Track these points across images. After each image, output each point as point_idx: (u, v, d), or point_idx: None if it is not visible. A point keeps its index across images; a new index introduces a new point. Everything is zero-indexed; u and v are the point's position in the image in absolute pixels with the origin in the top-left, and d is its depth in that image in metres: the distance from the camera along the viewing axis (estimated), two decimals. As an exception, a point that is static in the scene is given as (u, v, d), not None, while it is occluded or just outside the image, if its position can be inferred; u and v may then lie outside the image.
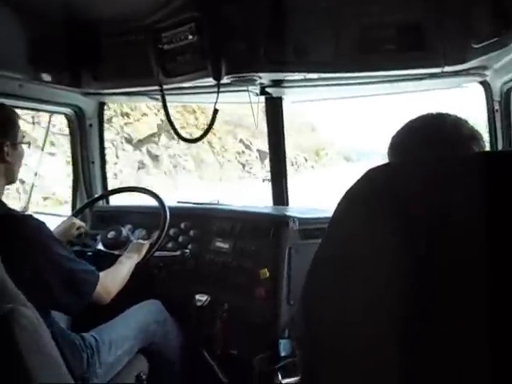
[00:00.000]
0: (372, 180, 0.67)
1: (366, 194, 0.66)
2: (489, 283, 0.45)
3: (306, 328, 0.75)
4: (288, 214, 2.01)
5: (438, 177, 0.54)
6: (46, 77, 1.85)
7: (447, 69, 1.54)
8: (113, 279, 1.63)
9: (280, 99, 2.13)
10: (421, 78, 1.66)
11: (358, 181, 0.68)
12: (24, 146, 1.50)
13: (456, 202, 0.51)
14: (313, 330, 0.73)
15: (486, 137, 1.80)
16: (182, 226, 2.24)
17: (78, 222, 2.05)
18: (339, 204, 0.71)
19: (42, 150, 2.31)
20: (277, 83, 1.88)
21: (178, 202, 2.48)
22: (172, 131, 1.70)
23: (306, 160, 19.42)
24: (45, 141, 2.31)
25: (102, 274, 1.56)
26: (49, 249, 1.37)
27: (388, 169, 0.69)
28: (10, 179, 1.46)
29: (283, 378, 1.74)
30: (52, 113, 2.22)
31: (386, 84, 1.74)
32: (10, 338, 1.06)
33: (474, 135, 0.92)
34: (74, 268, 1.45)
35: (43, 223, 1.40)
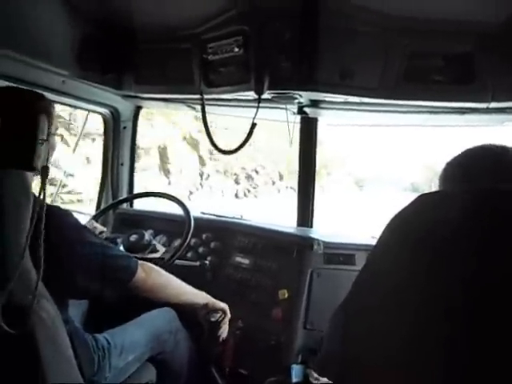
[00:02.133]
0: (423, 206, 0.65)
1: (416, 220, 0.64)
2: None
3: (343, 347, 0.71)
4: (313, 235, 1.98)
5: (489, 209, 0.52)
6: (89, 76, 1.88)
7: (493, 105, 1.51)
8: (158, 273, 1.53)
9: (315, 120, 2.12)
10: (463, 112, 1.63)
11: (409, 206, 0.65)
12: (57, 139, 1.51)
13: (505, 237, 0.48)
14: (350, 349, 0.69)
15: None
16: (204, 237, 2.22)
17: (99, 226, 2.06)
18: (388, 227, 0.68)
19: (75, 148, 2.35)
20: (315, 103, 1.87)
21: (202, 213, 2.47)
22: (209, 141, 1.69)
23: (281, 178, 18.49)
24: (79, 138, 2.34)
25: (144, 263, 1.50)
26: (80, 237, 1.35)
27: (441, 197, 0.67)
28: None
29: (293, 404, 1.68)
30: (89, 111, 2.25)
31: (426, 115, 1.72)
32: (29, 330, 1.05)
33: None
34: (110, 254, 1.41)
35: (71, 214, 1.39)
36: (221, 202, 13.46)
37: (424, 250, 0.58)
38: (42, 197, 1.07)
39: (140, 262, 1.47)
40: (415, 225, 0.63)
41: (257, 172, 18.20)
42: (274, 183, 18.55)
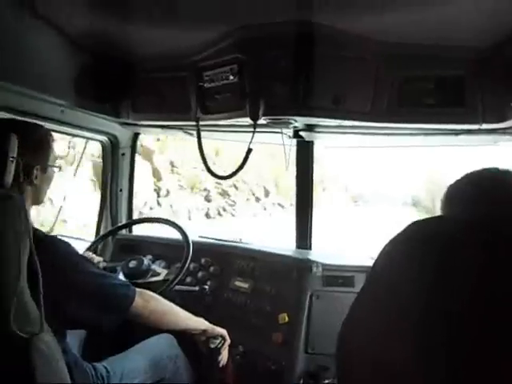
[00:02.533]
0: (420, 231, 0.66)
1: (412, 244, 0.64)
2: None
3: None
4: (311, 258, 1.98)
5: (481, 236, 0.53)
6: (87, 105, 1.91)
7: (485, 126, 1.54)
8: (157, 301, 1.52)
9: (311, 143, 2.16)
10: (457, 133, 1.66)
11: (406, 229, 0.66)
12: (55, 169, 1.52)
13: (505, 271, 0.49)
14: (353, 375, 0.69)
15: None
16: (203, 261, 2.23)
17: (95, 257, 2.07)
18: (383, 251, 0.69)
19: (75, 175, 2.37)
20: (310, 128, 1.90)
21: (200, 237, 2.47)
22: (204, 167, 1.71)
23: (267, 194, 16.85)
24: (78, 166, 2.36)
25: (143, 291, 1.49)
26: (77, 267, 1.35)
27: (439, 222, 0.68)
28: (36, 201, 1.45)
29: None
30: (88, 139, 2.28)
31: (421, 137, 1.74)
32: (28, 363, 1.04)
33: None
34: (108, 283, 1.40)
35: (69, 243, 1.39)
36: (187, 222, 12.13)
37: (415, 281, 0.58)
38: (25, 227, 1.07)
39: (139, 290, 1.47)
40: (406, 252, 0.63)
41: (236, 187, 16.52)
42: (258, 200, 16.93)
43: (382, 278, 0.66)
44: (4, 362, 1.01)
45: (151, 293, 1.54)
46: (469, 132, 1.62)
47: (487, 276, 0.52)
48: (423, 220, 0.67)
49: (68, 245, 1.38)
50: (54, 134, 1.99)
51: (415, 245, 0.64)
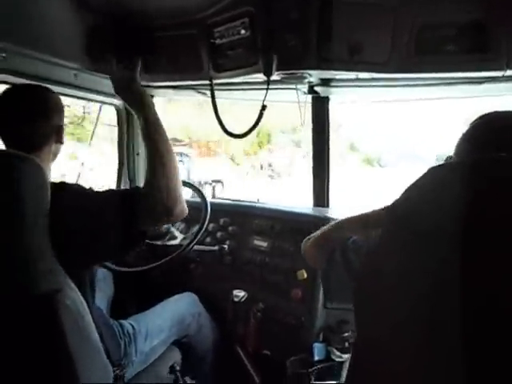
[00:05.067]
0: (435, 178, 0.64)
1: (429, 190, 0.63)
2: None
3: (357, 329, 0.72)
4: (328, 215, 1.98)
5: (500, 176, 0.52)
6: (100, 68, 1.89)
7: (509, 72, 1.46)
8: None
9: (327, 99, 2.10)
10: (480, 82, 1.58)
11: (421, 178, 0.65)
12: None
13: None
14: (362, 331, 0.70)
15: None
16: (222, 222, 2.25)
17: None
18: (398, 201, 0.68)
19: (91, 139, 2.38)
20: (326, 82, 1.85)
21: (218, 198, 2.49)
22: (220, 126, 1.69)
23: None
24: (93, 131, 2.37)
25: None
26: (88, 194, 1.29)
27: (450, 168, 0.66)
28: (55, 158, 1.44)
29: (316, 381, 1.71)
30: (103, 103, 2.28)
31: (441, 87, 1.67)
32: (54, 319, 1.08)
33: None
34: (117, 190, 1.41)
35: (74, 183, 1.35)
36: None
37: (434, 222, 0.57)
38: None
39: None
40: (427, 197, 0.62)
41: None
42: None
43: (402, 221, 0.65)
44: (32, 320, 1.05)
45: None
46: (493, 80, 1.55)
47: (491, 215, 0.51)
48: (439, 166, 0.66)
49: (73, 184, 1.33)
50: (66, 98, 2.01)
51: (431, 189, 0.63)
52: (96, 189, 1.40)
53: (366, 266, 0.69)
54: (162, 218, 1.29)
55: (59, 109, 1.41)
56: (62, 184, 1.28)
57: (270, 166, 13.11)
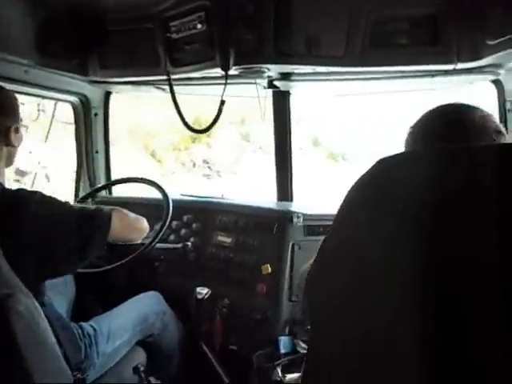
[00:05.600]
0: (384, 168, 0.64)
1: (378, 182, 0.63)
2: (500, 281, 0.43)
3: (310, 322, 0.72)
4: (292, 209, 1.99)
5: (455, 166, 0.52)
6: (52, 63, 1.83)
7: (460, 66, 1.51)
8: (126, 212, 1.62)
9: (288, 93, 2.10)
10: (433, 75, 1.63)
11: (370, 169, 0.65)
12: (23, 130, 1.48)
13: (469, 194, 0.48)
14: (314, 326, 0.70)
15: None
16: (185, 218, 2.22)
17: None
18: (348, 194, 0.68)
19: (47, 138, 2.30)
20: (285, 76, 1.85)
21: (181, 195, 2.46)
22: (181, 122, 1.67)
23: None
24: (49, 129, 2.29)
25: (115, 207, 1.54)
26: (49, 207, 1.32)
27: (401, 158, 0.66)
28: (10, 162, 1.43)
29: (283, 374, 1.72)
30: (57, 100, 2.20)
31: (396, 80, 1.71)
32: (6, 325, 1.04)
33: (499, 129, 0.89)
34: (83, 208, 1.44)
35: (36, 190, 1.35)
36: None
37: (386, 213, 0.57)
38: None
39: (113, 207, 1.52)
40: (375, 187, 0.62)
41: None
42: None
43: (342, 228, 0.65)
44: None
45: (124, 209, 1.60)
46: (445, 73, 1.60)
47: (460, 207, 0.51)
48: (389, 156, 0.65)
49: (34, 192, 1.34)
50: (20, 96, 1.93)
51: (382, 185, 0.62)
52: (57, 199, 1.39)
53: (316, 267, 0.69)
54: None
55: (6, 109, 1.35)
56: (21, 192, 1.26)
57: (206, 162, 11.52)
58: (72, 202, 2.22)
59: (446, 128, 0.89)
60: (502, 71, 1.60)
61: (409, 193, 0.55)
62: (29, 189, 1.34)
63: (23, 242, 1.11)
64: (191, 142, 11.64)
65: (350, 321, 0.58)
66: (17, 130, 1.41)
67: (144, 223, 1.73)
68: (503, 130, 0.89)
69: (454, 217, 0.48)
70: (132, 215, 1.65)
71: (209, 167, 11.43)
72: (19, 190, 1.29)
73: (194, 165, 11.48)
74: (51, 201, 1.35)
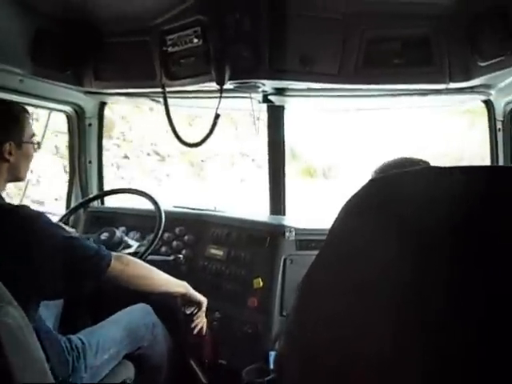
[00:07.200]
0: (375, 189, 0.65)
1: (368, 203, 0.64)
2: (490, 295, 0.44)
3: (298, 343, 0.72)
4: (285, 223, 1.99)
5: (440, 187, 0.53)
6: (47, 73, 1.83)
7: (452, 85, 1.54)
8: (137, 264, 1.51)
9: (282, 108, 2.12)
10: (425, 94, 1.65)
11: (360, 190, 0.65)
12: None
13: (457, 214, 0.49)
14: (304, 345, 0.70)
15: (487, 155, 1.80)
16: (177, 230, 2.22)
17: (67, 228, 2.03)
18: (340, 214, 0.68)
19: (39, 147, 2.28)
20: (279, 91, 1.87)
21: (174, 207, 2.45)
22: (173, 135, 1.68)
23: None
24: (42, 138, 2.27)
25: (122, 255, 1.51)
26: (49, 233, 1.30)
27: (392, 178, 0.67)
28: (13, 178, 1.43)
29: (272, 390, 1.71)
30: (52, 110, 2.20)
31: (389, 98, 1.74)
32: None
33: None
34: (82, 245, 1.36)
35: (39, 212, 1.34)
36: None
37: (387, 231, 0.58)
38: None
39: (116, 254, 1.46)
40: (369, 204, 0.62)
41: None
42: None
43: (334, 247, 0.65)
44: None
45: (129, 256, 1.53)
46: (436, 92, 1.62)
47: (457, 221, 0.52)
48: (381, 176, 0.65)
49: (41, 214, 1.34)
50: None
51: (373, 205, 0.63)
52: (61, 226, 1.39)
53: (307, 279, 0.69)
54: None
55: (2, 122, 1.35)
56: (25, 210, 1.28)
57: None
58: (63, 211, 2.24)
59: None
60: (492, 91, 1.63)
61: (408, 210, 0.55)
62: (32, 208, 1.33)
63: (17, 258, 1.10)
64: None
65: (340, 342, 0.58)
66: (19, 147, 1.40)
67: (152, 273, 1.57)
68: None
69: (457, 234, 0.49)
70: (141, 265, 1.55)
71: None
72: (23, 208, 1.29)
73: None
74: (50, 226, 1.35)
